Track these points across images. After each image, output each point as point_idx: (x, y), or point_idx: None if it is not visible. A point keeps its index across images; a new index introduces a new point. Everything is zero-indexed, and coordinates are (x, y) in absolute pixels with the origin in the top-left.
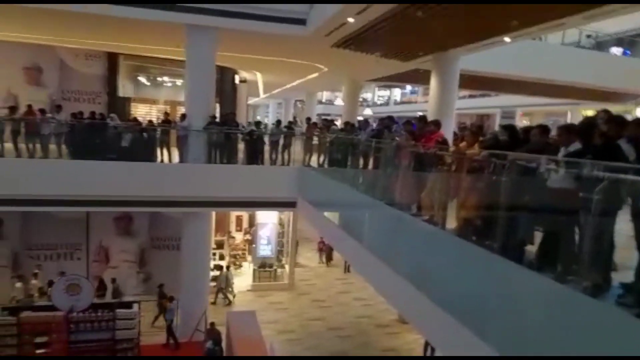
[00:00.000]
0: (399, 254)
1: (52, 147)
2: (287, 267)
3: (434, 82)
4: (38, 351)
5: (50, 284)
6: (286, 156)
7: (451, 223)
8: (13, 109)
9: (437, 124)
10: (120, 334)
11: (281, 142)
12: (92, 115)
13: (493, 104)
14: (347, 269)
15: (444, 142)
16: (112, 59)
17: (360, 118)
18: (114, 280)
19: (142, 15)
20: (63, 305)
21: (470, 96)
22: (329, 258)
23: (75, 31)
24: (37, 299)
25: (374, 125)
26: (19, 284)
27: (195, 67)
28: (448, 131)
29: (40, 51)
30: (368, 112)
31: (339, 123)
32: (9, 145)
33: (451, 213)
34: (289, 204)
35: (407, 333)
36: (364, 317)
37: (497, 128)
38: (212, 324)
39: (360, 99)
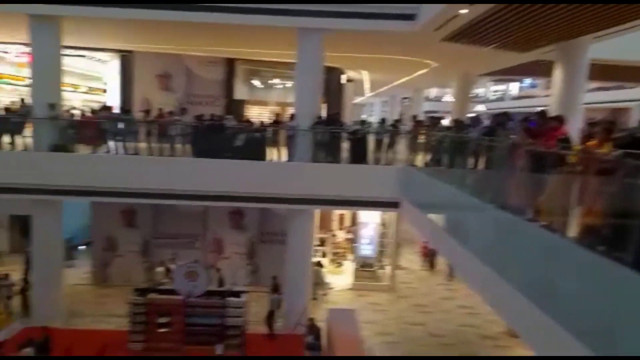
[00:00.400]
0: (512, 262)
1: (178, 146)
2: (388, 268)
3: (558, 74)
4: (160, 330)
5: (168, 270)
6: (390, 155)
7: (573, 230)
8: (147, 112)
9: (559, 119)
10: (230, 321)
11: (385, 140)
12: (211, 117)
13: (629, 96)
14: (451, 276)
15: (567, 140)
16: (230, 65)
17: (471, 115)
18: (218, 270)
19: (257, 22)
20: (182, 290)
21: (601, 89)
22: (432, 264)
23: (199, 40)
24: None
25: (487, 122)
26: (160, 269)
27: (304, 69)
28: (574, 128)
29: (170, 60)
30: (480, 108)
31: (447, 120)
32: (143, 145)
33: (573, 219)
34: (392, 205)
35: (517, 347)
36: (468, 327)
37: (635, 124)
38: (312, 319)
39: (472, 95)
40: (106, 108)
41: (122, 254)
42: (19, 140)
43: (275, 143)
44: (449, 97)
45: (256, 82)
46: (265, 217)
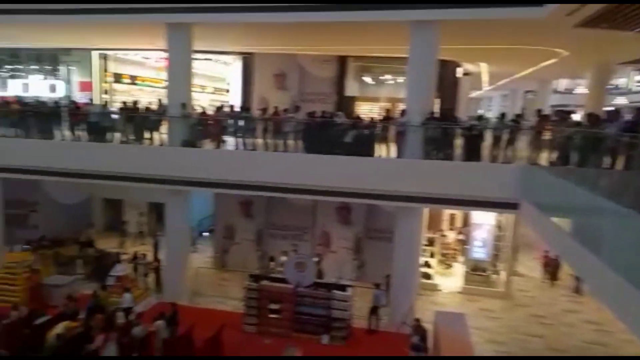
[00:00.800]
0: None
1: (291, 142)
2: (502, 273)
3: None
4: (271, 315)
5: (272, 259)
6: (509, 153)
7: None
8: (264, 110)
9: None
10: (335, 313)
11: (505, 137)
12: (322, 114)
13: None
14: (577, 290)
15: None
16: (341, 62)
17: (609, 108)
18: (319, 262)
19: (369, 18)
20: (292, 279)
21: None
22: (554, 276)
23: (313, 39)
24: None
25: (628, 116)
26: (284, 258)
27: (417, 63)
28: None
29: (286, 60)
30: (621, 101)
31: (579, 115)
32: (260, 141)
33: None
34: (510, 206)
35: None
36: (597, 344)
37: None
38: (418, 319)
39: (611, 86)
40: (229, 107)
41: (239, 241)
42: (156, 136)
43: (384, 139)
44: (582, 89)
45: (367, 79)
46: (372, 213)
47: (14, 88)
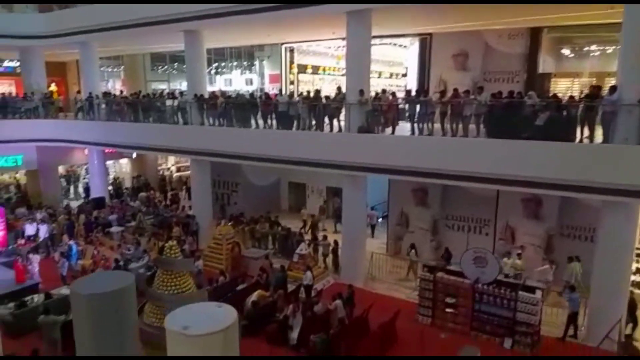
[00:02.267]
0: None
1: (472, 126)
2: None
3: None
4: (447, 310)
5: (447, 252)
6: None
7: None
8: (442, 92)
9: None
10: (521, 316)
11: None
12: (510, 94)
13: None
14: None
15: None
16: (534, 35)
17: None
18: (519, 256)
19: None
20: (470, 274)
21: None
22: None
23: (501, 12)
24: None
25: None
26: (508, 260)
27: (635, 27)
28: None
29: (468, 38)
30: None
31: None
32: (437, 126)
33: None
34: None
35: None
36: None
37: None
38: (630, 336)
39: None
40: (405, 91)
41: (413, 230)
42: (335, 123)
43: (588, 121)
44: None
45: (566, 51)
46: (568, 207)
47: (219, 83)
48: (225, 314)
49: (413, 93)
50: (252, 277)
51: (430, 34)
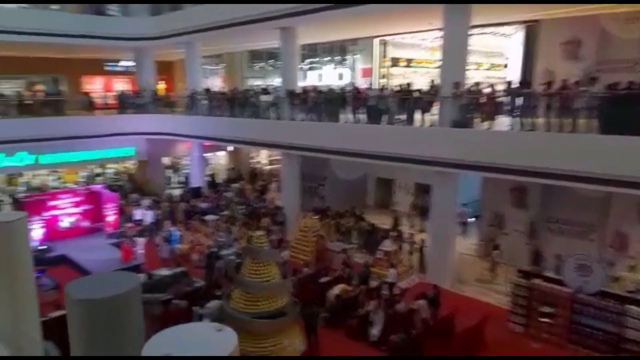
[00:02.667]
0: None
1: (581, 121)
2: None
3: None
4: (541, 319)
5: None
6: None
7: None
8: (549, 84)
9: None
10: (630, 333)
11: None
12: (628, 86)
13: None
14: None
15: None
16: None
17: None
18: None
19: None
20: (572, 283)
21: None
22: None
23: None
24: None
25: None
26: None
27: None
28: None
29: (582, 23)
30: None
31: None
32: (541, 120)
33: None
34: None
35: None
36: None
37: None
38: None
39: None
40: (506, 83)
41: (508, 232)
42: (427, 117)
43: None
44: None
45: None
46: None
47: (311, 78)
48: (224, 340)
49: (514, 85)
50: (335, 270)
51: (537, 21)
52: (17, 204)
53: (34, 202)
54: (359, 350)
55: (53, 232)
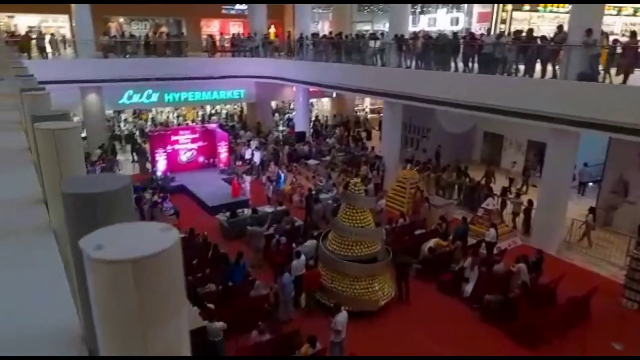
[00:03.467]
0: None
1: None
2: None
3: None
4: None
5: None
6: None
7: None
8: None
9: None
10: None
11: None
12: None
13: None
14: None
15: None
16: None
17: None
18: None
19: None
20: None
21: None
22: None
23: None
24: None
25: None
26: None
27: None
28: None
29: None
30: None
31: None
32: None
33: None
34: None
35: None
36: None
37: None
38: None
39: None
40: None
41: (634, 200)
42: (549, 68)
43: None
44: None
45: None
46: None
47: (423, 23)
48: (163, 239)
49: None
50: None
51: None
52: (146, 137)
53: (159, 136)
54: (450, 305)
55: (174, 164)
